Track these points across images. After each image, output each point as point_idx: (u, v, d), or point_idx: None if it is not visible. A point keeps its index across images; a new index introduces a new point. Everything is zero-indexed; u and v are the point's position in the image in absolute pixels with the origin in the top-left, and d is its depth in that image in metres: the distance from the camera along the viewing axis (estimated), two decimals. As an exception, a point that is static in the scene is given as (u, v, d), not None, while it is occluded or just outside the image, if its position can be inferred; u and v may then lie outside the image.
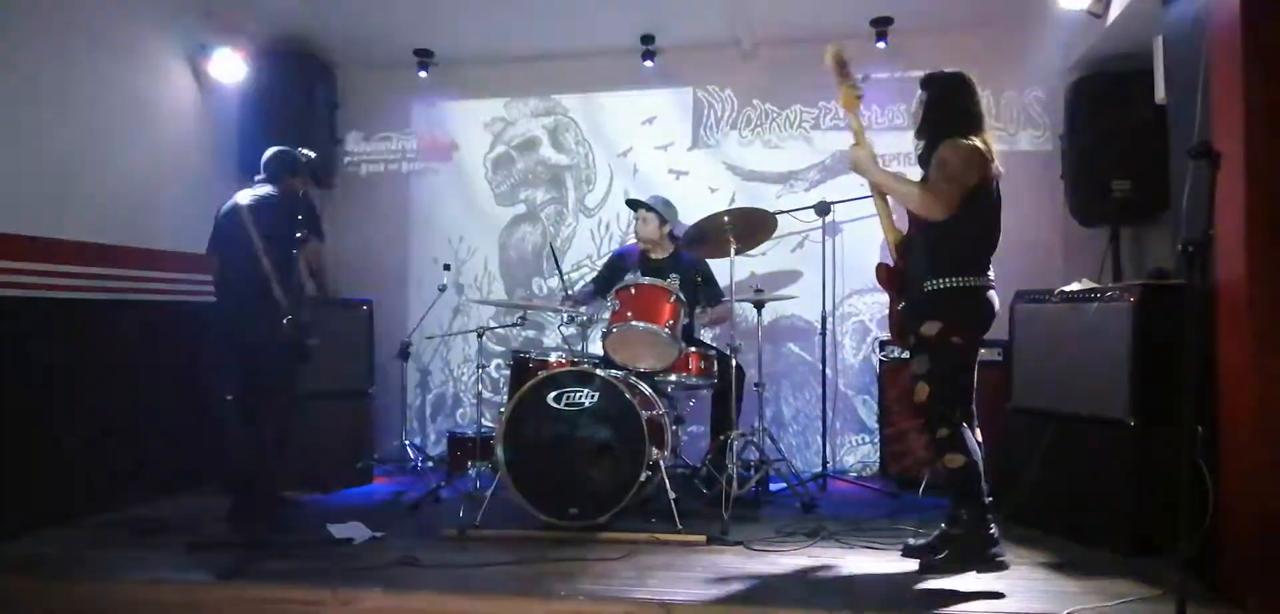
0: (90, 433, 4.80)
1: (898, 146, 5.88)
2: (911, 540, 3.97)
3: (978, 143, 3.63)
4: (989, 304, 3.67)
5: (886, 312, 5.91)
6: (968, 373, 3.72)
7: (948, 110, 3.74)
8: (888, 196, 3.87)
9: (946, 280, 3.61)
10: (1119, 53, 5.03)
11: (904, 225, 3.87)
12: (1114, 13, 4.71)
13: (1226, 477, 3.35)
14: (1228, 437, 3.36)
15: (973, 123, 3.70)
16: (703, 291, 5.43)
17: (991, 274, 3.69)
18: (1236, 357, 3.33)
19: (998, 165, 3.69)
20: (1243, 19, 3.29)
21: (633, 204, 5.67)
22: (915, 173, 3.82)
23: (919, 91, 3.87)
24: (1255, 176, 3.22)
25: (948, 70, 3.86)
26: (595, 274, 5.89)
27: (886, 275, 4.00)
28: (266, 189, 4.68)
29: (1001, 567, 3.51)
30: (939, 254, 3.65)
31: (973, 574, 3.54)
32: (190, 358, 5.41)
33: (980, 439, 3.69)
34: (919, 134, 3.84)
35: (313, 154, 4.83)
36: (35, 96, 4.63)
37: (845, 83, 3.89)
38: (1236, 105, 3.30)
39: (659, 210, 5.49)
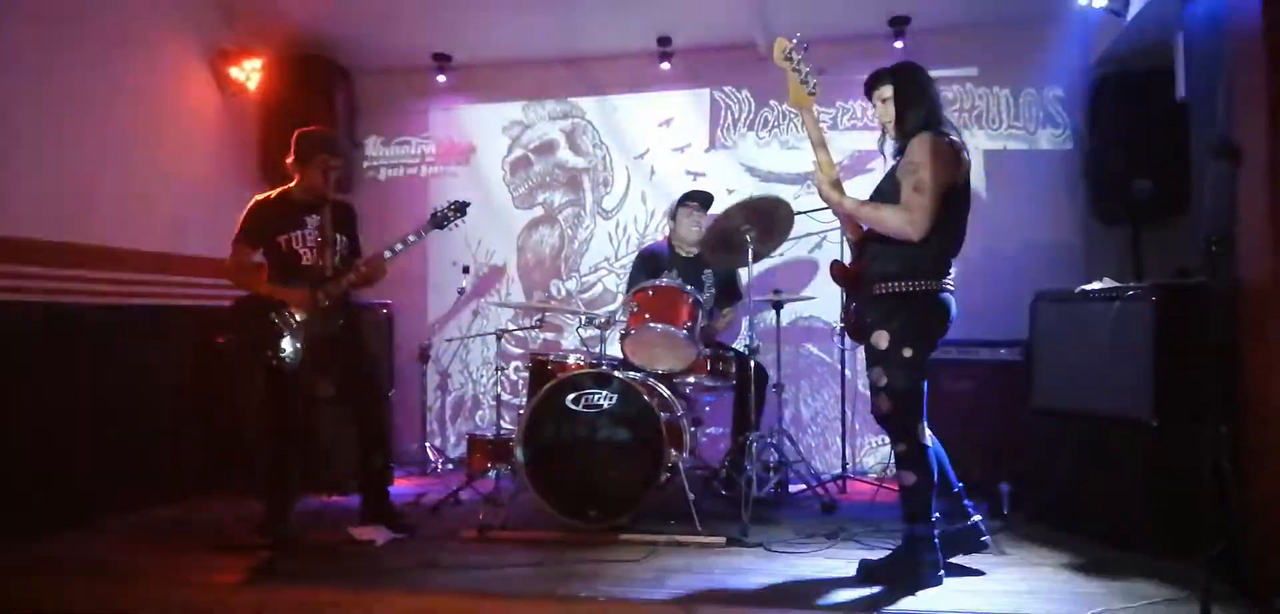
0: (112, 435, 4.85)
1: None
2: (867, 557, 3.69)
3: (953, 137, 3.44)
4: (942, 310, 3.46)
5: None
6: (924, 380, 3.49)
7: (921, 101, 3.50)
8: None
9: (897, 284, 3.42)
10: (1139, 50, 5.00)
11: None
12: (1134, 9, 4.69)
13: (1251, 476, 3.31)
14: (1252, 436, 3.33)
15: (940, 111, 3.52)
16: (727, 291, 5.40)
17: (952, 276, 3.48)
18: (1260, 355, 3.30)
19: (967, 155, 3.48)
20: (1264, 14, 3.24)
21: (695, 196, 5.34)
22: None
23: (880, 87, 3.59)
24: (1278, 173, 3.18)
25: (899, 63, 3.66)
26: (628, 282, 5.53)
27: (841, 273, 3.83)
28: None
29: (938, 583, 3.42)
30: (894, 255, 3.45)
31: (982, 578, 3.55)
32: (211, 361, 5.44)
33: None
34: (897, 133, 3.55)
35: None
36: (58, 102, 4.68)
37: (795, 77, 3.62)
38: (1259, 101, 3.26)
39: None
